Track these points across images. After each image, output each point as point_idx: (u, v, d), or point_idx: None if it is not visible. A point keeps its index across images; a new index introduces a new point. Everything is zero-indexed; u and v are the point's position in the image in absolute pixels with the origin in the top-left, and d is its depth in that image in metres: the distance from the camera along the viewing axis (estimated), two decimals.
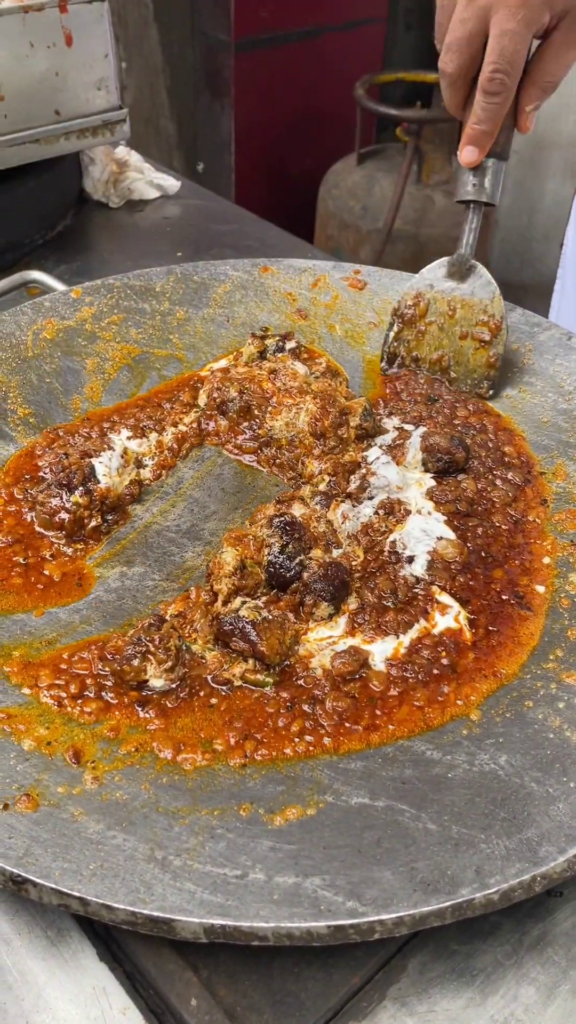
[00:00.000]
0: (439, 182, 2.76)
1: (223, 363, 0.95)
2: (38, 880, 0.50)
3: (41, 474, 0.79)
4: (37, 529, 0.75)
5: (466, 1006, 0.53)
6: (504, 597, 0.71)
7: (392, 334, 0.94)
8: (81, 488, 0.75)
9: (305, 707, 0.62)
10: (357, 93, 2.71)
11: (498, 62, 0.74)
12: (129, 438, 0.84)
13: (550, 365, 0.93)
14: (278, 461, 0.84)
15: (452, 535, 0.74)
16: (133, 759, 0.59)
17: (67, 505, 0.74)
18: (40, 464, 0.80)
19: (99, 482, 0.76)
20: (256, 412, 0.86)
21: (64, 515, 0.74)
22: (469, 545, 0.74)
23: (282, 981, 0.53)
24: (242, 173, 3.14)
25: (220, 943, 0.50)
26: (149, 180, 1.42)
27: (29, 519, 0.76)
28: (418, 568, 0.72)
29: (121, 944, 0.55)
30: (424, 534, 0.74)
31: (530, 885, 0.51)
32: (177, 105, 3.19)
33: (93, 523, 0.75)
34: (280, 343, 0.94)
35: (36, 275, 1.09)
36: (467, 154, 0.80)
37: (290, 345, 0.93)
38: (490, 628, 0.68)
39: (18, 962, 0.54)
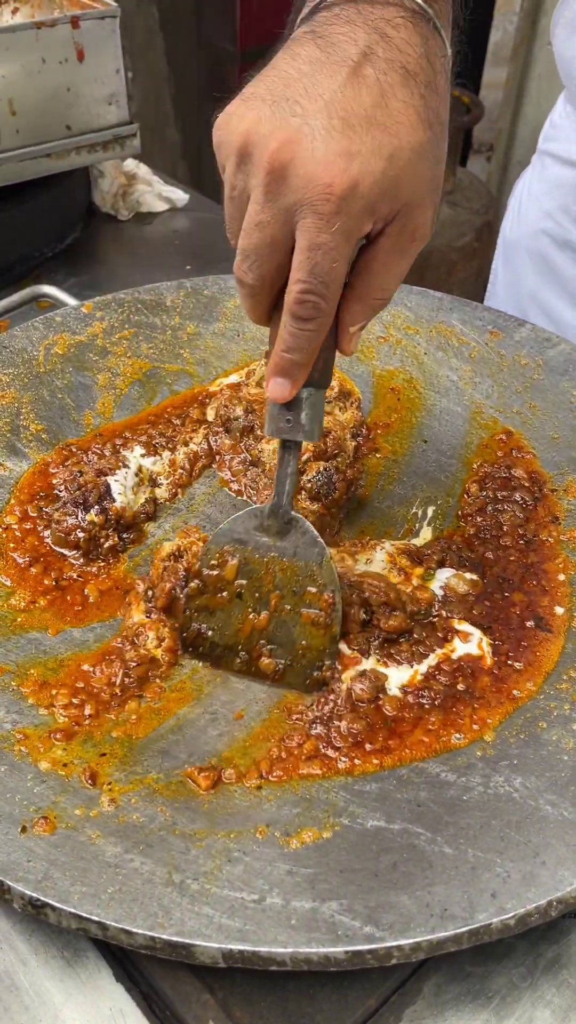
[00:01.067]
0: (443, 192, 2.76)
1: (234, 378, 0.95)
2: (57, 904, 0.50)
3: (56, 491, 0.79)
4: (52, 547, 0.75)
5: None
6: (526, 622, 0.71)
7: (191, 607, 0.70)
8: (96, 507, 0.75)
9: (319, 728, 0.63)
10: None
11: (309, 281, 0.56)
12: (143, 455, 0.84)
13: (560, 380, 0.93)
14: (258, 485, 0.82)
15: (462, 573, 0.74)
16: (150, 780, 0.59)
17: (83, 524, 0.74)
18: (54, 482, 0.80)
19: (114, 501, 0.77)
20: (259, 433, 0.85)
21: (80, 534, 0.74)
22: (486, 577, 0.74)
23: (298, 1003, 0.53)
24: None
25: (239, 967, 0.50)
26: (158, 193, 1.43)
27: (44, 536, 0.76)
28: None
29: (138, 965, 0.55)
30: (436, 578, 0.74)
31: (546, 910, 0.51)
32: (182, 114, 3.20)
33: (109, 542, 0.76)
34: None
35: (47, 289, 1.10)
36: (275, 387, 0.61)
37: None
38: (510, 653, 0.68)
39: (35, 983, 0.54)
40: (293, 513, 0.68)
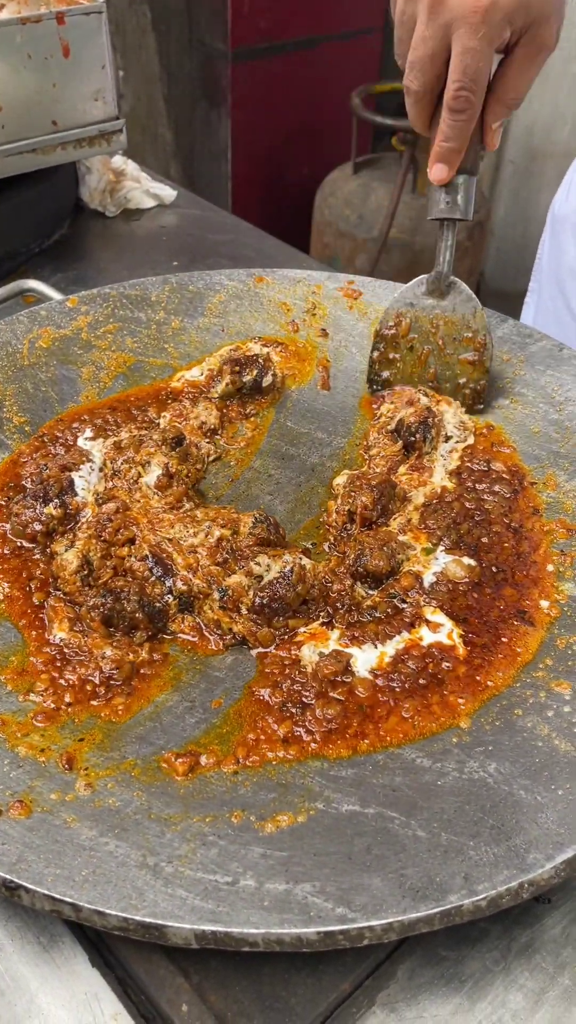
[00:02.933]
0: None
1: (195, 371, 0.96)
2: (31, 886, 0.50)
3: (23, 483, 0.80)
4: (10, 537, 0.76)
5: (455, 1012, 0.53)
6: (509, 619, 0.71)
7: (376, 355, 0.93)
8: (56, 500, 0.75)
9: (293, 709, 0.63)
10: (353, 103, 2.73)
11: (462, 80, 0.73)
12: (89, 439, 0.85)
13: (541, 376, 0.93)
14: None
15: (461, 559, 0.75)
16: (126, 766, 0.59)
17: (40, 517, 0.75)
18: (22, 473, 0.81)
19: (76, 495, 0.77)
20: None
21: (37, 527, 0.74)
22: (483, 562, 0.75)
23: (272, 987, 0.53)
24: (239, 182, 3.15)
25: (211, 949, 0.50)
26: (146, 189, 1.43)
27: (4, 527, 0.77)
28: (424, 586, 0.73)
29: (113, 950, 0.55)
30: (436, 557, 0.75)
31: (518, 892, 0.51)
32: (174, 114, 3.20)
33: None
34: (257, 381, 0.93)
35: (32, 284, 1.10)
36: (437, 171, 0.80)
37: (266, 382, 0.94)
38: (486, 646, 0.68)
39: (10, 968, 0.54)
40: (453, 278, 0.88)
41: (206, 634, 0.69)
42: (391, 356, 0.92)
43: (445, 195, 0.82)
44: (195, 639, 0.69)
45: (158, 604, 0.69)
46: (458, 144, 0.77)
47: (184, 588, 0.69)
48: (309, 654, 0.67)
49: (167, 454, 0.81)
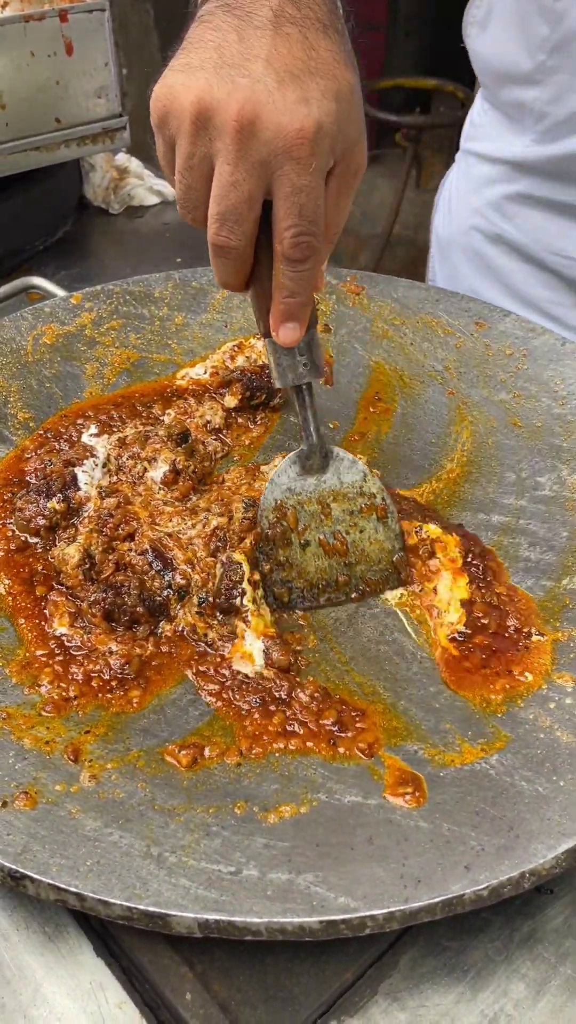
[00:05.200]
0: (438, 187, 2.77)
1: (199, 369, 0.96)
2: (36, 876, 0.51)
3: (27, 478, 0.80)
4: (13, 531, 0.76)
5: (457, 1001, 0.54)
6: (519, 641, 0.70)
7: (267, 567, 0.73)
8: (59, 495, 0.76)
9: (272, 706, 0.64)
10: None
11: (300, 223, 0.59)
12: (94, 435, 0.85)
13: (544, 370, 0.94)
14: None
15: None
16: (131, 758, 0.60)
17: (44, 512, 0.75)
18: (26, 469, 0.81)
19: (79, 490, 0.78)
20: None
21: (40, 521, 0.75)
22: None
23: (276, 976, 0.54)
24: None
25: (215, 939, 0.51)
26: (149, 186, 1.44)
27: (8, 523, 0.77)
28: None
29: (118, 940, 0.55)
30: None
31: (519, 882, 0.52)
32: None
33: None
34: (266, 401, 0.92)
35: (36, 281, 1.10)
36: (287, 333, 0.64)
37: (275, 401, 0.93)
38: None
39: (16, 957, 0.55)
40: (328, 446, 0.73)
41: (187, 638, 0.69)
42: (282, 558, 0.73)
43: (297, 357, 0.67)
44: (170, 650, 0.69)
45: (158, 598, 0.69)
46: (306, 297, 0.63)
47: (183, 582, 0.70)
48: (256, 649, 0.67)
49: (173, 450, 0.81)
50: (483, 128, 1.16)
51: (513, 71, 1.01)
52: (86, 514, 0.76)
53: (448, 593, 0.72)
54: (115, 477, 0.80)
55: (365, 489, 0.74)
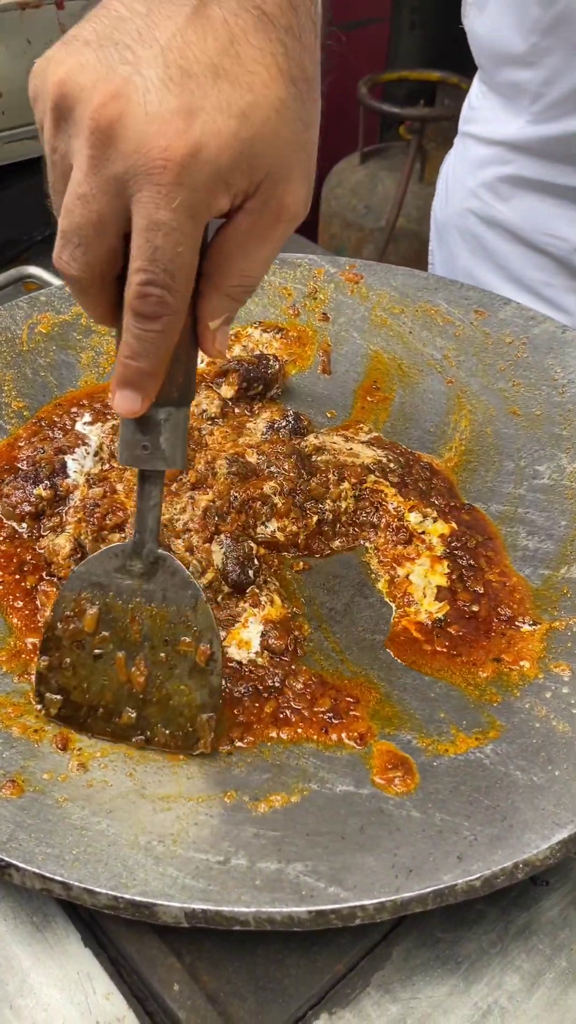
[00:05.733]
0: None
1: None
2: (21, 865, 0.50)
3: (19, 466, 0.79)
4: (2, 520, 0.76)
5: (450, 993, 0.53)
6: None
7: (44, 664, 0.61)
8: (46, 482, 0.75)
9: (266, 693, 0.63)
10: (360, 92, 2.71)
11: (150, 270, 0.45)
12: (88, 423, 0.85)
13: (544, 358, 0.92)
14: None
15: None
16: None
17: (30, 498, 0.74)
18: (18, 457, 0.81)
19: (68, 477, 0.77)
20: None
21: (27, 507, 0.74)
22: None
23: (265, 968, 0.53)
24: None
25: (204, 930, 0.50)
26: None
27: None
28: None
29: (106, 930, 0.55)
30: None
31: (512, 872, 0.51)
32: None
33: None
34: (263, 392, 0.91)
35: (32, 270, 1.10)
36: (122, 401, 0.50)
37: (272, 392, 0.93)
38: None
39: (3, 947, 0.54)
40: (159, 551, 0.59)
41: None
42: (67, 661, 0.60)
43: (141, 435, 0.53)
44: None
45: None
46: (152, 364, 0.49)
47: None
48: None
49: None
50: (480, 111, 1.16)
51: (508, 52, 1.01)
52: (72, 503, 0.75)
53: (423, 580, 0.71)
54: (107, 465, 0.79)
55: (191, 622, 0.59)
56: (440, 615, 0.69)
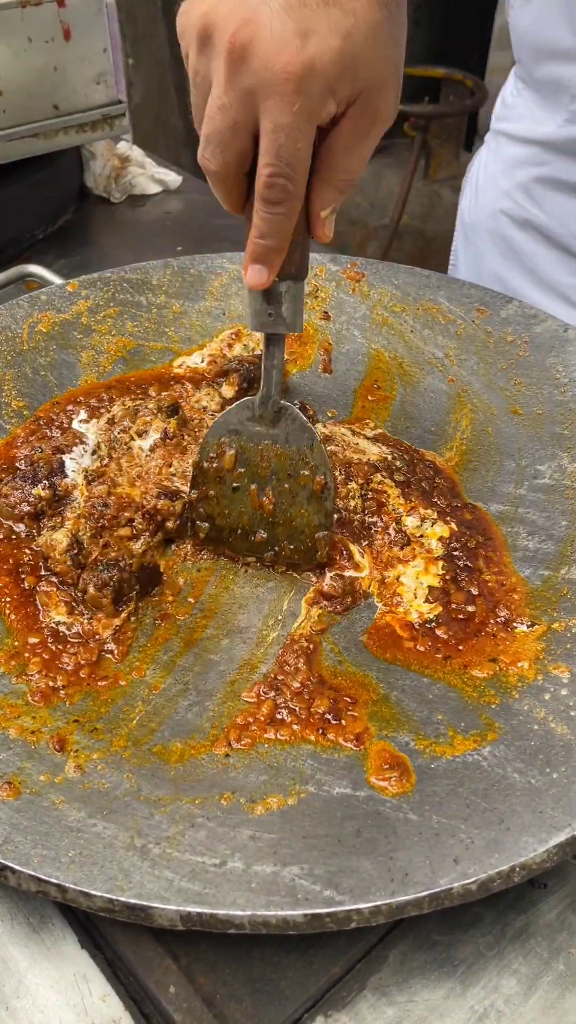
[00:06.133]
0: (446, 177, 2.75)
1: (196, 358, 0.95)
2: (17, 867, 0.50)
3: (17, 465, 0.79)
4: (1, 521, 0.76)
5: (447, 996, 0.53)
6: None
7: (195, 494, 0.74)
8: (45, 481, 0.75)
9: (271, 693, 0.63)
10: None
11: (276, 164, 0.56)
12: (83, 421, 0.85)
13: (546, 357, 0.92)
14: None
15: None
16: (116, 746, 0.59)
17: (29, 498, 0.74)
18: (16, 456, 0.80)
19: (66, 476, 0.77)
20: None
21: (25, 507, 0.74)
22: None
23: (262, 970, 0.53)
24: None
25: (200, 932, 0.50)
26: (151, 175, 1.43)
27: None
28: None
29: (102, 932, 0.55)
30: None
31: (509, 875, 0.51)
32: (185, 102, 3.16)
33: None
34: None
35: (34, 269, 1.10)
36: (253, 275, 0.61)
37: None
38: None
39: None
40: (282, 402, 0.70)
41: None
42: (211, 493, 0.74)
43: (266, 304, 0.64)
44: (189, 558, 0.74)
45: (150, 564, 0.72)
46: (277, 242, 0.60)
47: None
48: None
49: (164, 420, 0.80)
50: (515, 108, 1.13)
51: (553, 46, 0.99)
52: (73, 502, 0.75)
53: (414, 582, 0.71)
54: (105, 461, 0.79)
55: (308, 458, 0.72)
56: (431, 615, 0.69)
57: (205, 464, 0.73)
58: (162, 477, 0.76)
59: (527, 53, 1.06)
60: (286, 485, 0.72)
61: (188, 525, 0.75)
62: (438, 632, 0.68)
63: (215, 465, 0.73)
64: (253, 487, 0.73)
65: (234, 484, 0.73)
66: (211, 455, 0.73)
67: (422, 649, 0.67)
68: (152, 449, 0.79)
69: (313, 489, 0.72)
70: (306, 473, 0.72)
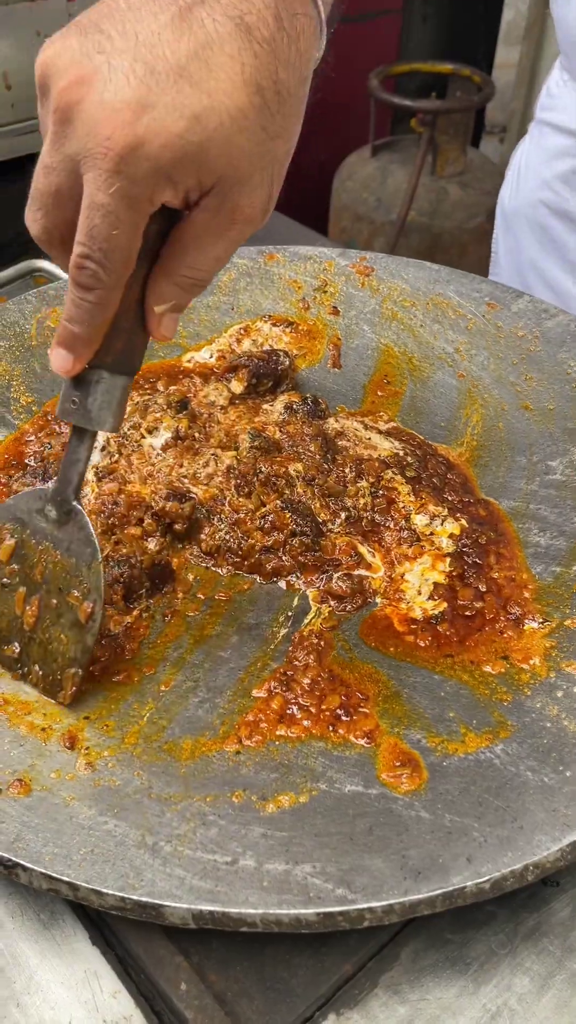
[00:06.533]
0: (453, 174, 2.74)
1: (205, 353, 0.94)
2: (28, 864, 0.50)
3: (26, 461, 0.79)
4: None
5: (459, 995, 0.52)
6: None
7: None
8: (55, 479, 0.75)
9: (281, 688, 0.63)
10: (371, 84, 2.69)
11: (87, 245, 0.49)
12: None
13: (557, 352, 0.91)
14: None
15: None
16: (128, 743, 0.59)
17: None
18: (26, 452, 0.80)
19: None
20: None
21: None
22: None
23: (274, 968, 0.53)
24: None
25: (212, 930, 0.50)
26: None
27: None
28: None
29: (113, 929, 0.55)
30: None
31: (522, 874, 0.50)
32: None
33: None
34: (272, 389, 0.91)
35: (42, 264, 1.09)
36: (57, 359, 0.54)
37: (280, 389, 0.92)
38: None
39: (10, 945, 0.54)
40: (74, 504, 0.62)
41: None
42: None
43: (73, 391, 0.56)
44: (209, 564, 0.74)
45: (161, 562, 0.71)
46: (84, 330, 0.52)
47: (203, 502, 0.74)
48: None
49: (175, 417, 0.80)
50: (560, 98, 1.13)
51: None
52: (84, 498, 0.75)
53: (419, 579, 0.71)
54: (115, 458, 0.79)
55: (84, 578, 0.62)
56: (436, 612, 0.68)
57: None
58: (172, 478, 0.76)
59: (571, 46, 1.06)
60: (54, 600, 0.63)
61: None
62: (439, 628, 0.67)
63: None
64: (22, 590, 0.64)
65: (3, 579, 0.64)
66: None
67: (423, 644, 0.66)
68: (164, 448, 0.79)
69: (78, 615, 0.61)
70: (76, 594, 0.62)
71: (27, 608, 0.63)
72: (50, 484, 0.63)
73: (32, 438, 0.82)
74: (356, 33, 3.09)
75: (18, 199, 1.18)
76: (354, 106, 3.06)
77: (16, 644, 0.64)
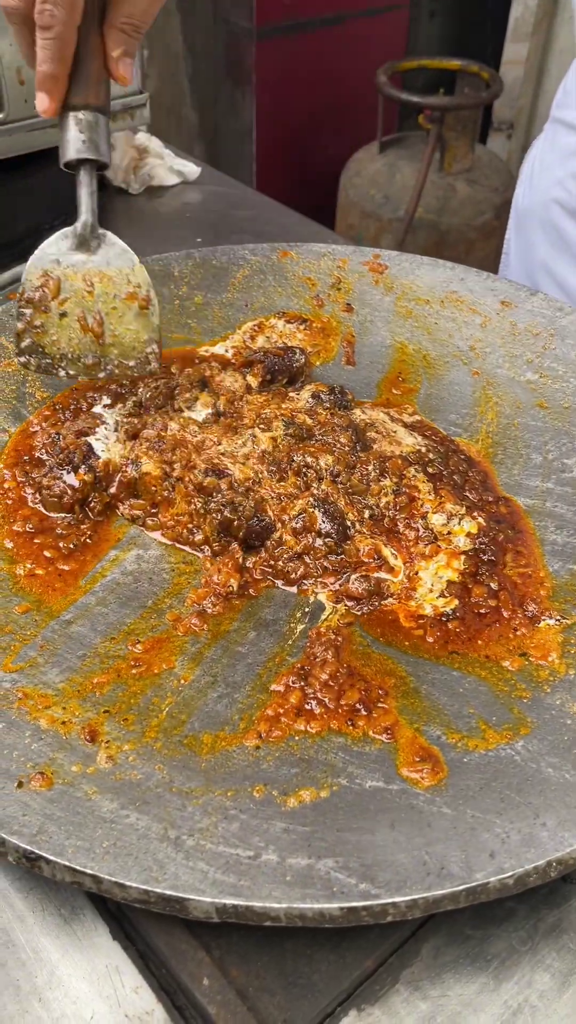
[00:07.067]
0: (461, 170, 2.73)
1: (219, 348, 0.94)
2: (51, 857, 0.50)
3: (38, 455, 0.79)
4: (46, 513, 0.75)
5: (480, 991, 0.52)
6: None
7: (21, 325, 0.77)
8: (84, 466, 0.75)
9: (299, 682, 0.63)
10: (379, 80, 2.69)
11: None
12: (107, 406, 0.85)
13: (572, 350, 0.91)
14: None
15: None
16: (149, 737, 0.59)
17: (75, 485, 0.74)
18: (34, 443, 0.80)
19: (98, 457, 0.77)
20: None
21: (75, 494, 0.74)
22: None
23: (295, 963, 0.53)
24: (263, 162, 3.12)
25: (233, 924, 0.50)
26: (169, 166, 1.42)
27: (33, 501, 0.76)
28: None
29: (134, 923, 0.55)
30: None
31: (545, 871, 0.50)
32: (199, 93, 3.18)
33: (97, 503, 0.76)
34: (288, 384, 0.91)
35: None
36: (38, 102, 0.71)
37: (296, 384, 0.92)
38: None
39: (32, 939, 0.54)
40: (102, 230, 0.76)
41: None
42: (38, 323, 0.77)
43: (79, 133, 0.71)
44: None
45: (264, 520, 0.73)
46: (52, 68, 0.69)
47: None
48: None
49: (207, 392, 0.82)
50: (575, 95, 1.12)
51: None
52: (136, 441, 0.77)
53: (432, 576, 0.70)
54: (129, 446, 0.79)
55: (132, 278, 0.76)
56: (447, 609, 0.68)
57: (28, 295, 0.76)
58: (212, 455, 0.76)
59: None
60: (113, 306, 0.76)
61: (18, 353, 0.78)
62: (449, 625, 0.67)
63: (39, 295, 0.76)
64: (80, 312, 0.76)
65: (60, 311, 0.76)
66: (35, 285, 0.76)
67: (431, 640, 0.66)
68: (201, 426, 0.80)
69: (139, 306, 0.76)
70: (130, 292, 0.76)
71: (91, 323, 0.76)
72: (70, 227, 0.75)
73: (37, 428, 0.82)
74: (364, 29, 3.09)
75: (28, 196, 1.18)
76: (362, 102, 3.05)
77: (89, 356, 0.77)
